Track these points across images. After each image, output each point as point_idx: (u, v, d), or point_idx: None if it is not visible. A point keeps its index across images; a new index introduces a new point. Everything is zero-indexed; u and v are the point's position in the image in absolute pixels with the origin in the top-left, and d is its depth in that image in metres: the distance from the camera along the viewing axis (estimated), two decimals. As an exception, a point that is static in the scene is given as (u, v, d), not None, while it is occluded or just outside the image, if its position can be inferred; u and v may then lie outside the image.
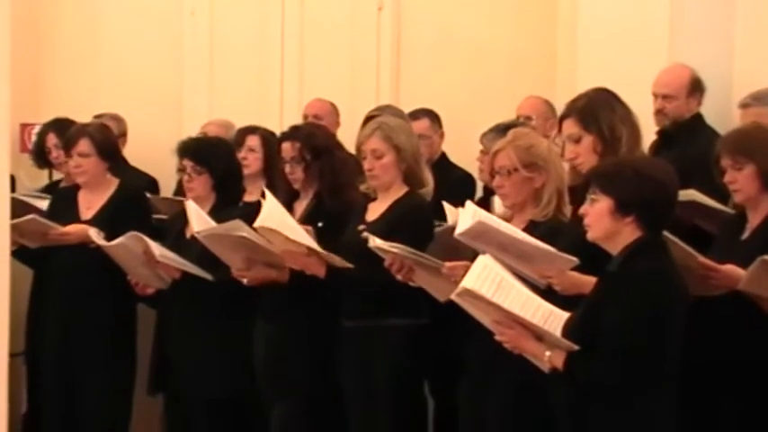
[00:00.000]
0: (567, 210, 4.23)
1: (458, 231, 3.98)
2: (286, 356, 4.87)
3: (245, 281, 4.89)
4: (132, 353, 5.54)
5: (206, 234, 4.83)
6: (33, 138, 6.49)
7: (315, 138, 4.97)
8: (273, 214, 4.63)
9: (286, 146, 4.98)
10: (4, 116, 3.35)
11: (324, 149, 4.93)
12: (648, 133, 4.80)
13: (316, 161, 4.91)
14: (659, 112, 5.28)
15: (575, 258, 3.81)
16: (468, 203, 4.13)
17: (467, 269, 3.99)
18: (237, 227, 4.72)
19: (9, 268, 3.53)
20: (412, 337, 4.63)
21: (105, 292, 5.37)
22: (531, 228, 4.10)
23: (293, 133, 5.02)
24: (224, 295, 4.99)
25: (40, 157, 6.24)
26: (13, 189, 5.66)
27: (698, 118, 5.31)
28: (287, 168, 4.97)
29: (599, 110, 4.15)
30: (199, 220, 4.90)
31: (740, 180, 4.16)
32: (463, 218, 4.00)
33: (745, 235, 4.19)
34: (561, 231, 4.09)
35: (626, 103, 4.24)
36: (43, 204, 5.62)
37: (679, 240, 3.90)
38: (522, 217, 4.22)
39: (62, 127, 5.90)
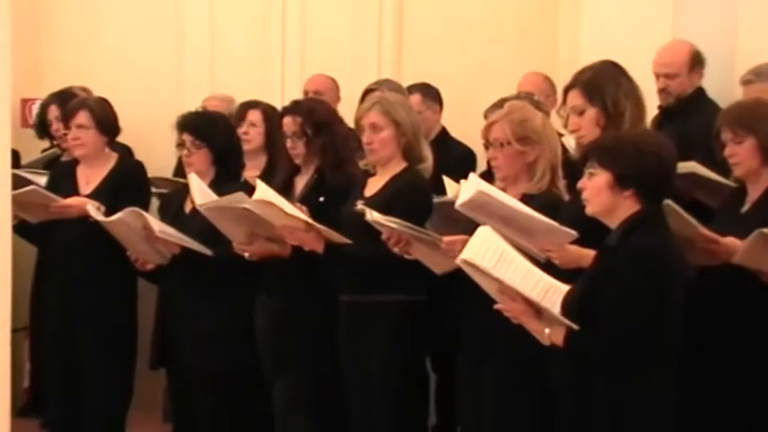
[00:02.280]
0: (561, 184, 4.24)
1: (459, 202, 3.98)
2: (288, 331, 4.87)
3: (246, 255, 4.89)
4: (134, 327, 5.54)
5: (208, 207, 4.82)
6: (34, 112, 6.49)
7: (316, 113, 4.96)
8: (268, 192, 4.62)
9: (287, 120, 4.96)
10: (6, 92, 3.34)
11: (325, 124, 4.92)
12: (651, 108, 4.77)
13: (317, 136, 4.90)
14: (663, 91, 5.25)
15: (574, 232, 3.81)
16: (472, 175, 4.12)
17: (464, 243, 4.00)
18: (240, 199, 4.71)
19: (11, 242, 3.53)
20: (408, 312, 4.62)
21: (106, 268, 5.36)
22: (524, 201, 4.07)
23: (294, 108, 5.01)
24: (225, 270, 4.97)
25: (42, 129, 6.23)
26: (16, 164, 5.70)
27: (700, 92, 5.29)
28: (288, 143, 4.95)
29: (604, 83, 4.13)
30: (201, 194, 4.89)
31: (740, 153, 4.15)
32: (465, 189, 3.99)
33: (745, 208, 4.19)
34: (555, 204, 4.10)
35: (632, 77, 4.21)
36: (42, 181, 5.62)
37: (680, 209, 3.90)
38: (516, 190, 4.21)
39: (65, 99, 5.90)
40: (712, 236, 3.99)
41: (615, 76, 4.19)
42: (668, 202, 3.72)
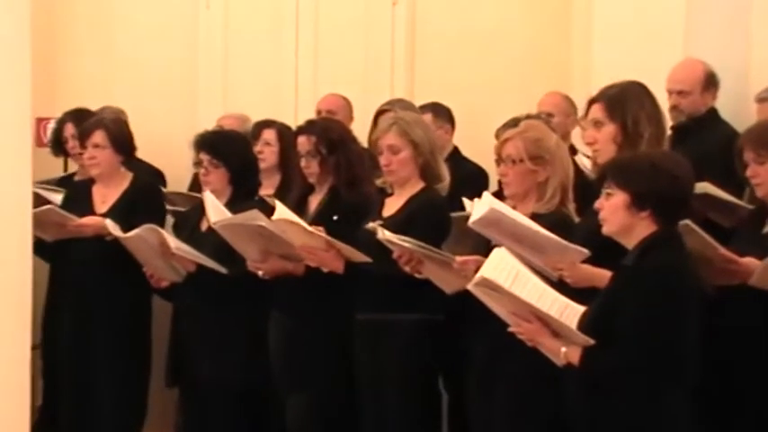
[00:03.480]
0: (571, 206, 4.24)
1: (472, 219, 3.99)
2: (302, 349, 4.87)
3: (260, 273, 4.90)
4: (147, 345, 5.55)
5: (223, 224, 4.84)
6: (49, 130, 6.50)
7: (330, 132, 4.97)
8: (287, 211, 4.64)
9: (302, 140, 4.98)
10: (26, 112, 3.36)
11: (339, 143, 4.93)
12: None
13: (331, 155, 4.91)
14: (674, 108, 5.25)
15: (586, 250, 3.81)
16: (485, 194, 4.13)
17: (477, 264, 4.01)
18: (255, 216, 4.73)
19: (31, 261, 3.54)
20: (424, 332, 4.63)
21: (120, 285, 5.38)
22: (533, 220, 4.07)
23: (309, 127, 5.03)
24: (240, 288, 4.99)
25: (57, 146, 6.25)
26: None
27: (713, 112, 5.30)
28: (303, 162, 4.97)
29: (627, 101, 4.09)
30: (216, 211, 4.91)
31: (763, 174, 4.15)
32: (478, 207, 4.01)
33: (767, 228, 4.18)
34: (564, 224, 4.09)
35: (657, 100, 4.19)
36: (57, 198, 5.64)
37: (699, 229, 3.90)
38: (525, 209, 4.20)
39: (81, 117, 5.91)
40: (731, 256, 3.98)
41: (640, 96, 4.15)
42: (687, 222, 3.72)
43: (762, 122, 4.49)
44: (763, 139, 4.16)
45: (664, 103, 5.10)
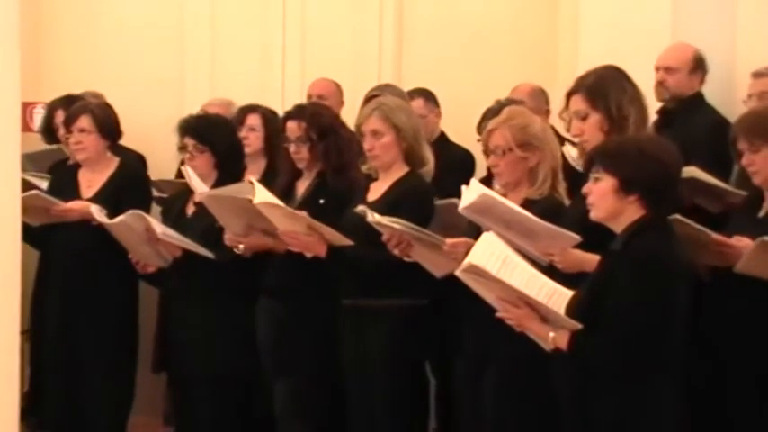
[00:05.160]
0: (562, 188, 4.25)
1: (462, 205, 3.99)
2: (290, 334, 4.87)
3: (240, 247, 4.89)
4: (135, 331, 5.54)
5: (210, 195, 4.83)
6: (36, 115, 6.48)
7: (320, 118, 4.97)
8: (268, 194, 4.63)
9: (291, 125, 4.97)
10: (15, 97, 3.35)
11: (329, 129, 4.93)
12: (651, 114, 4.79)
13: (321, 141, 4.90)
14: (660, 85, 5.26)
15: (577, 236, 3.82)
16: (473, 180, 4.13)
17: (468, 246, 4.02)
18: (244, 190, 4.72)
19: (20, 247, 3.53)
20: (410, 317, 4.63)
21: (107, 271, 5.37)
22: (526, 206, 4.09)
23: (299, 113, 5.01)
24: (226, 273, 4.99)
25: (48, 133, 6.22)
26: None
27: (698, 96, 5.31)
28: (292, 148, 4.96)
29: (608, 88, 4.10)
30: (198, 185, 4.93)
31: (758, 162, 4.17)
32: (467, 193, 4.01)
33: (762, 212, 4.20)
34: (557, 209, 4.11)
35: (634, 83, 4.20)
36: (43, 185, 5.62)
37: (688, 221, 3.91)
38: (517, 195, 4.22)
39: (71, 104, 5.89)
40: (725, 240, 4.01)
41: (619, 80, 4.16)
42: (676, 216, 3.73)
43: (753, 111, 4.50)
44: (756, 128, 4.18)
45: (650, 90, 5.14)
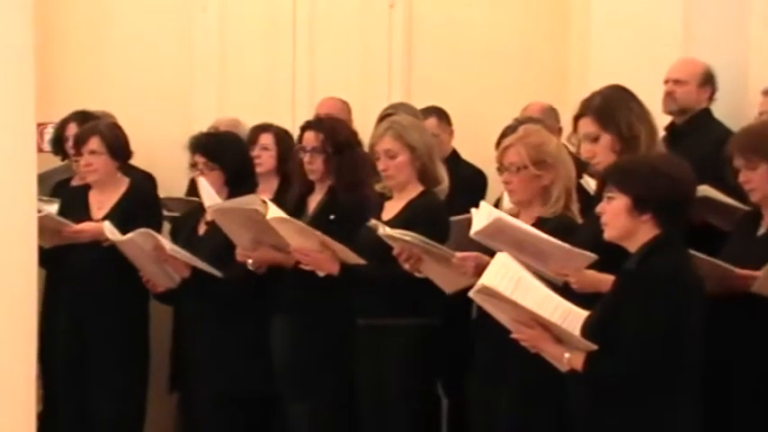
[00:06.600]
0: (575, 207, 4.24)
1: (474, 230, 3.98)
2: (306, 356, 4.87)
3: (249, 262, 4.88)
4: (146, 352, 5.53)
5: (218, 208, 4.83)
6: (47, 135, 6.47)
7: (338, 132, 4.97)
8: (280, 211, 4.63)
9: (309, 135, 4.96)
10: (30, 119, 3.35)
11: (346, 145, 4.93)
12: (659, 130, 4.78)
13: (336, 155, 4.90)
14: (668, 96, 5.28)
15: (593, 255, 3.80)
16: (483, 203, 4.12)
17: (477, 260, 4.03)
18: (251, 201, 4.72)
19: (37, 263, 3.53)
20: (424, 337, 4.62)
21: (118, 293, 5.36)
22: (539, 224, 4.09)
23: (318, 124, 5.03)
24: (238, 292, 4.98)
25: (58, 145, 6.21)
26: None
27: (706, 112, 5.32)
28: (306, 158, 4.95)
29: (616, 108, 4.08)
30: (209, 198, 4.92)
31: (755, 180, 4.15)
32: (478, 217, 3.99)
33: (761, 231, 4.19)
34: (569, 228, 4.09)
35: (640, 100, 4.20)
36: (53, 208, 5.60)
37: (704, 256, 3.89)
38: (530, 213, 4.22)
39: (85, 118, 5.89)
40: (751, 273, 3.97)
41: (626, 100, 4.15)
42: (695, 253, 3.71)
43: (748, 128, 4.48)
44: (752, 145, 4.17)
45: (658, 103, 5.13)
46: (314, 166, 4.93)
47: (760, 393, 4.10)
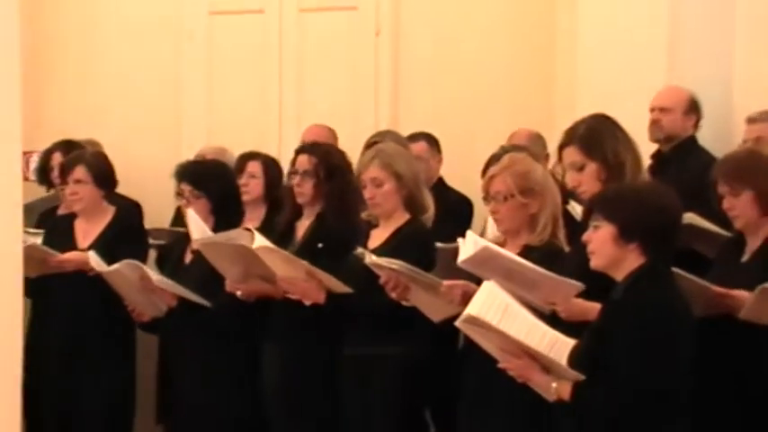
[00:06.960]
0: (562, 235, 4.23)
1: (461, 259, 3.96)
2: (294, 383, 4.86)
3: (239, 293, 4.88)
4: (132, 380, 5.50)
5: (204, 242, 4.82)
6: (33, 163, 6.46)
7: (331, 157, 4.99)
8: (266, 241, 4.63)
9: (302, 158, 4.98)
10: (17, 147, 3.35)
11: (338, 171, 4.94)
12: (645, 157, 4.80)
13: (328, 180, 4.91)
14: (654, 124, 5.30)
15: (580, 284, 3.79)
16: (469, 233, 4.11)
17: (464, 288, 4.02)
18: (237, 236, 4.71)
19: (22, 291, 3.52)
20: (411, 365, 4.61)
21: (102, 321, 5.33)
22: (526, 252, 4.08)
23: (312, 148, 5.05)
24: (225, 320, 4.96)
25: (43, 175, 6.21)
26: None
27: (692, 140, 5.34)
28: (296, 180, 4.96)
29: (602, 136, 4.08)
30: (198, 230, 4.91)
31: (739, 206, 4.18)
32: (465, 247, 3.98)
33: (746, 257, 4.20)
34: (557, 256, 4.09)
35: (624, 129, 4.21)
36: (38, 240, 5.58)
37: (688, 274, 3.91)
38: (517, 242, 4.21)
39: (70, 148, 5.90)
40: (727, 292, 4.00)
41: (611, 128, 4.15)
42: (677, 270, 3.72)
43: (732, 155, 4.50)
44: (736, 172, 4.19)
45: (642, 130, 5.14)
46: (303, 188, 4.94)
47: (749, 418, 4.10)
